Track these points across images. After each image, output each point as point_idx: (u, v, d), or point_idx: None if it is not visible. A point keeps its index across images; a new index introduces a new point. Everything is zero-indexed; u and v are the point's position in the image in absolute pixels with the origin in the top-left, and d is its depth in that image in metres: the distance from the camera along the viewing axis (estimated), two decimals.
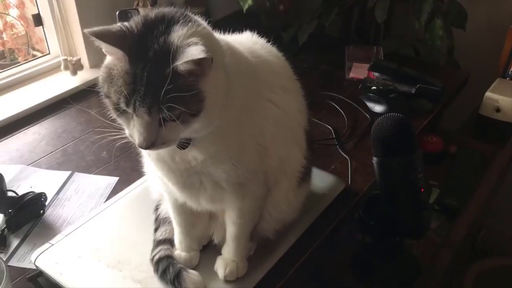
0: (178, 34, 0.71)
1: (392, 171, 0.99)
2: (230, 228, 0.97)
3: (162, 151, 0.82)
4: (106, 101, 0.74)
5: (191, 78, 0.70)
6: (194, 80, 0.70)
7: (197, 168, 0.83)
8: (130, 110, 0.70)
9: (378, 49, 1.82)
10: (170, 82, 0.68)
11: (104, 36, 0.71)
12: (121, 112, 0.73)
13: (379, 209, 1.08)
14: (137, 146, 0.74)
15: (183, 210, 0.98)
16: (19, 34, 1.98)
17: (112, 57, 0.73)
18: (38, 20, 1.76)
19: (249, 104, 0.85)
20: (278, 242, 1.04)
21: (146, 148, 0.73)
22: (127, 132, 0.76)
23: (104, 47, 0.72)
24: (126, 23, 0.73)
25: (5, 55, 1.98)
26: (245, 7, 1.68)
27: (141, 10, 1.68)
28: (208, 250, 1.04)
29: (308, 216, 1.11)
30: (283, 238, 1.05)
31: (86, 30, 0.71)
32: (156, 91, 0.68)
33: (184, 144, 0.79)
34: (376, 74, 1.65)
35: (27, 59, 1.87)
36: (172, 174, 0.87)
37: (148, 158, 0.91)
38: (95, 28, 0.71)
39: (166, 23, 0.72)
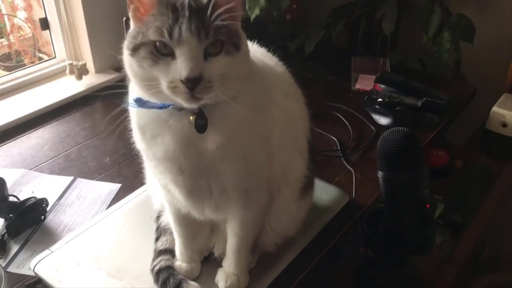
0: None
1: (397, 186, 0.97)
2: (232, 239, 0.96)
3: (172, 144, 0.79)
4: (140, 52, 0.71)
5: (228, 14, 0.70)
6: (230, 17, 0.70)
7: (208, 162, 0.80)
8: (174, 40, 0.68)
9: (384, 61, 1.82)
10: (213, 8, 0.68)
11: None
12: (159, 57, 0.70)
13: (383, 223, 1.07)
14: (182, 84, 0.69)
15: (184, 221, 0.97)
16: (26, 36, 1.99)
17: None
18: (45, 24, 1.76)
19: (259, 101, 0.84)
20: (281, 255, 1.03)
21: (194, 80, 0.68)
22: (165, 83, 0.71)
23: None
24: None
25: (11, 56, 1.99)
26: (253, 16, 1.67)
27: None
28: (209, 261, 1.03)
29: (311, 229, 1.09)
30: (285, 251, 1.04)
31: None
32: (201, 15, 0.68)
33: (202, 127, 0.77)
34: (383, 86, 1.65)
35: (33, 62, 1.87)
36: (180, 176, 0.84)
37: (153, 163, 0.86)
38: None
39: None
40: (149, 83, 0.72)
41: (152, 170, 0.92)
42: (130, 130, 0.87)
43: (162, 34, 0.68)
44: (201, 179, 0.85)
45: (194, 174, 0.83)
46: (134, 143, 0.89)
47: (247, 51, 0.78)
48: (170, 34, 0.68)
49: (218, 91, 0.72)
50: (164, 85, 0.71)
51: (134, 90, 0.79)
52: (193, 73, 0.68)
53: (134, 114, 0.83)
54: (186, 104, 0.73)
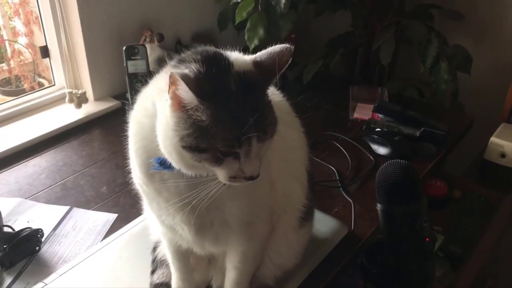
0: (239, 61, 0.73)
1: (396, 219, 0.97)
2: (231, 273, 0.94)
3: (187, 189, 0.77)
4: (202, 155, 0.69)
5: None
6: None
7: (217, 198, 0.78)
8: (244, 146, 0.68)
9: (382, 90, 1.82)
10: (268, 105, 0.72)
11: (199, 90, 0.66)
12: (223, 159, 0.69)
13: (382, 256, 1.05)
14: (244, 180, 0.71)
15: (184, 256, 0.96)
16: (26, 62, 1.99)
17: (186, 106, 0.68)
18: (45, 52, 1.77)
19: None
20: None
21: (257, 176, 0.72)
22: (225, 176, 0.72)
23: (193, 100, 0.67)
24: (191, 67, 0.69)
25: (11, 81, 1.99)
26: (252, 46, 1.69)
27: (147, 45, 1.69)
28: None
29: (309, 262, 1.08)
30: (284, 284, 1.02)
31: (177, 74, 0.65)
32: (262, 119, 0.69)
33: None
34: (381, 115, 1.65)
35: (32, 87, 1.88)
36: (191, 214, 0.82)
37: (160, 206, 0.85)
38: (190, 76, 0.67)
39: (221, 56, 0.73)
40: (201, 172, 0.73)
41: (154, 211, 0.89)
42: (129, 172, 0.87)
43: (233, 146, 0.68)
44: (209, 215, 0.84)
45: (204, 212, 0.82)
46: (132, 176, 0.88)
47: None
48: (240, 145, 0.68)
49: None
50: (223, 177, 0.72)
51: (155, 150, 0.75)
52: (257, 172, 0.71)
53: (139, 157, 0.80)
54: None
